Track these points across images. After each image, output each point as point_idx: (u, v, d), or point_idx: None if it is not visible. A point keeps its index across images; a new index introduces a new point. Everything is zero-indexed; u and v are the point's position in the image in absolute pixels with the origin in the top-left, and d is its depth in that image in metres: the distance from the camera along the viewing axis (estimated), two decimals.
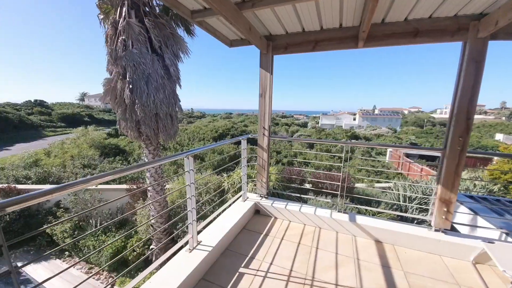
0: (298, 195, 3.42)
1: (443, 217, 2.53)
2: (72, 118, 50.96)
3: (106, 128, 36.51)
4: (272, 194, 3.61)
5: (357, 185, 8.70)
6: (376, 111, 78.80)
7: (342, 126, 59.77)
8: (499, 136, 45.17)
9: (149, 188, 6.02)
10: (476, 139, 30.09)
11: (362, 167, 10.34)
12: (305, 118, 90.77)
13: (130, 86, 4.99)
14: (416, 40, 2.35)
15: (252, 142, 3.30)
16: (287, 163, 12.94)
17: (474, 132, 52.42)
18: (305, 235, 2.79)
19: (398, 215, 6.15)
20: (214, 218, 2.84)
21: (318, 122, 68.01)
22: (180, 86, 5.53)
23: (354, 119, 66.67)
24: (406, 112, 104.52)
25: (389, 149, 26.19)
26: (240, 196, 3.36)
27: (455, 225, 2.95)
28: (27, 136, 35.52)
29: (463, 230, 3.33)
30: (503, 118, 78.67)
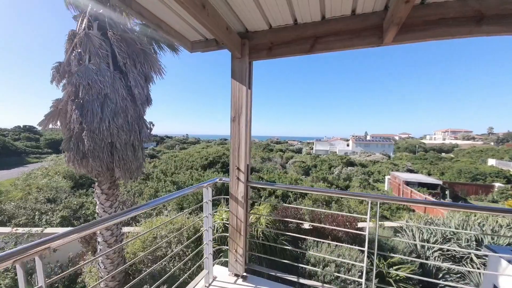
0: (296, 278, 2.16)
1: None
2: (61, 144, 49.16)
3: None
4: (252, 272, 2.35)
5: (362, 224, 7.39)
6: (368, 137, 79.73)
7: (336, 152, 59.54)
8: (491, 162, 45.32)
9: (98, 239, 4.60)
10: (471, 165, 29.62)
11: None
12: (299, 144, 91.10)
13: (79, 109, 3.93)
14: (481, 29, 1.42)
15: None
16: (282, 196, 11.57)
17: (466, 157, 52.71)
18: None
19: None
20: None
21: (312, 148, 67.85)
22: (144, 110, 4.50)
23: (348, 145, 66.85)
24: (397, 138, 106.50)
25: (387, 176, 25.23)
26: (202, 278, 2.10)
27: None
28: (10, 163, 33.42)
29: None
30: (491, 143, 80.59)
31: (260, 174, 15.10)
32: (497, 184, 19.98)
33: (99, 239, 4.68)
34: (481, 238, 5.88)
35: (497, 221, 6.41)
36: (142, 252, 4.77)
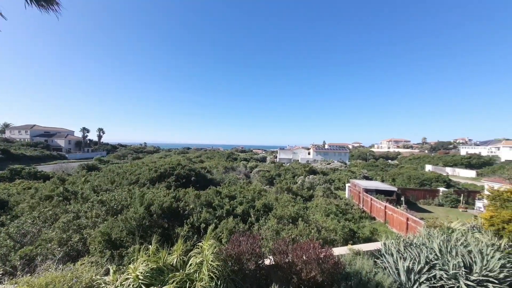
0: None
1: None
2: None
3: (27, 166, 27.03)
4: None
5: (337, 250, 6.11)
6: (326, 146, 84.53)
7: (298, 160, 60.91)
8: (428, 167, 51.88)
9: None
10: (416, 171, 32.79)
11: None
12: (263, 152, 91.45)
13: None
14: None
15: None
16: (242, 213, 9.70)
17: (407, 163, 59.65)
18: None
19: None
20: None
21: (276, 156, 68.40)
22: None
23: (309, 153, 69.27)
24: (350, 146, 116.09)
25: (347, 184, 25.74)
26: None
27: None
28: None
29: None
30: (426, 151, 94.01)
31: (219, 188, 13.08)
32: (441, 189, 21.85)
33: None
34: (469, 262, 5.00)
35: (477, 238, 5.75)
36: None
